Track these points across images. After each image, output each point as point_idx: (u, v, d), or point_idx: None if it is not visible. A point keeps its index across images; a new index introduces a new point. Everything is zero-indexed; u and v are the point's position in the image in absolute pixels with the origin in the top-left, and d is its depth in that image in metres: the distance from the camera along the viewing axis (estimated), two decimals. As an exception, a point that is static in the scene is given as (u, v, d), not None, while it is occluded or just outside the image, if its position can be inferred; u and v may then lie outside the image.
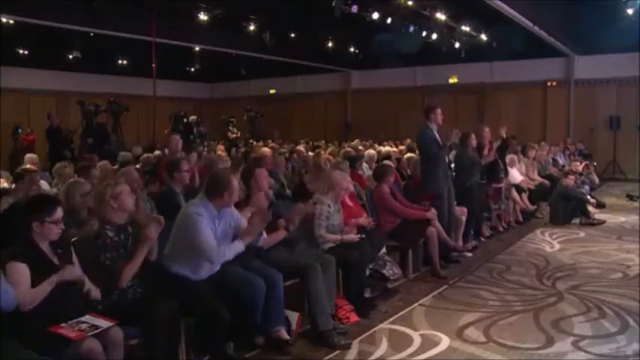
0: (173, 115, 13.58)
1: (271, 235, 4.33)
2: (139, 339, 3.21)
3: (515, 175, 9.27)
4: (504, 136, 8.49)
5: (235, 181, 3.89)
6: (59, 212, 3.09)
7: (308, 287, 4.25)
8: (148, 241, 3.38)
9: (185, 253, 3.71)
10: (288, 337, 4.04)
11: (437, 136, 6.38)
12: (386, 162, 7.35)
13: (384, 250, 5.44)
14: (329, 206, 4.90)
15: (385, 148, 11.32)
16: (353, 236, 5.01)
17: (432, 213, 5.92)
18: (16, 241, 2.99)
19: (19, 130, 15.65)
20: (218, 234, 3.77)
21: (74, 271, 3.07)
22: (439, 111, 6.44)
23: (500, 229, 8.32)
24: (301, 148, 11.40)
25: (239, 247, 3.78)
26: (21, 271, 2.90)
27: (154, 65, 12.75)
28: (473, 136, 7.23)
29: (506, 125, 8.70)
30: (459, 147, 6.74)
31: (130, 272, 3.34)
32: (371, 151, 9.51)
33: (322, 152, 10.01)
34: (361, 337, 4.24)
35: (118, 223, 3.46)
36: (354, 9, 11.20)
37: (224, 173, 4.11)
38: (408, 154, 8.95)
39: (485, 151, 7.34)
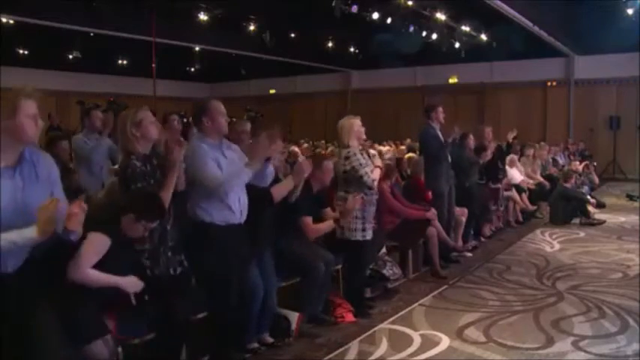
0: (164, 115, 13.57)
1: (318, 225, 4.38)
2: (142, 337, 3.20)
3: (515, 175, 9.28)
4: (510, 140, 8.44)
5: (216, 104, 3.60)
6: (155, 223, 2.99)
7: (309, 285, 4.34)
8: (175, 165, 3.17)
9: (199, 193, 3.51)
10: (272, 340, 4.06)
11: (439, 134, 6.38)
12: (386, 161, 7.34)
13: (384, 250, 5.44)
14: (361, 155, 4.73)
15: (385, 148, 11.31)
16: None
17: (432, 213, 5.92)
18: (104, 215, 2.80)
19: None
20: (225, 164, 3.53)
21: (137, 285, 2.98)
22: (441, 109, 6.41)
23: (500, 226, 8.33)
24: (296, 149, 11.36)
25: (243, 171, 3.46)
26: (102, 244, 2.77)
27: (154, 65, 12.75)
28: (471, 136, 7.23)
29: (513, 130, 8.62)
30: (457, 147, 6.73)
31: (165, 200, 3.14)
32: (372, 151, 9.50)
33: (322, 152, 10.00)
34: (361, 337, 4.24)
35: (143, 152, 3.24)
36: (354, 9, 11.20)
37: (203, 100, 3.79)
38: (409, 154, 8.94)
39: (488, 152, 7.34)
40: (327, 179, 4.60)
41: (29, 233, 2.25)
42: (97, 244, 2.78)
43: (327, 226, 4.54)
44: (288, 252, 4.31)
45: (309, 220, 4.41)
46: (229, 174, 3.46)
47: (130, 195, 3.03)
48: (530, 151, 10.58)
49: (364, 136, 4.83)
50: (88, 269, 2.77)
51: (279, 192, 3.95)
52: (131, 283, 2.95)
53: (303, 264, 4.33)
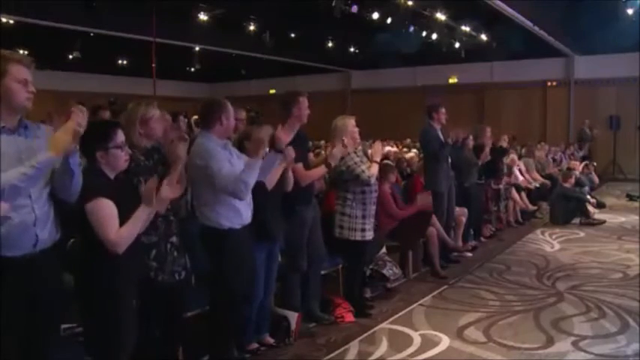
0: (171, 115, 13.58)
1: (311, 171, 4.27)
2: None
3: (516, 174, 9.27)
4: (504, 145, 8.38)
5: (228, 103, 3.51)
6: (120, 135, 2.76)
7: (308, 277, 4.41)
8: (180, 162, 3.06)
9: (209, 195, 3.40)
10: (272, 340, 4.06)
11: (440, 135, 6.38)
12: (386, 161, 7.32)
13: (384, 250, 5.44)
14: (355, 154, 4.64)
15: (386, 148, 11.30)
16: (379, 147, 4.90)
17: (424, 198, 5.81)
18: (88, 178, 2.60)
19: None
20: (236, 163, 3.44)
21: (152, 188, 2.74)
22: (443, 110, 6.40)
23: (500, 226, 8.33)
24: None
25: (255, 163, 3.33)
26: (109, 207, 2.61)
27: (153, 65, 12.74)
28: (470, 136, 7.23)
29: (506, 135, 8.59)
30: (457, 147, 6.72)
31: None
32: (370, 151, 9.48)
33: (323, 152, 9.99)
34: (361, 337, 4.24)
35: (145, 146, 3.19)
36: (354, 9, 11.20)
37: (215, 99, 3.68)
38: (410, 154, 8.97)
39: (487, 152, 7.33)
40: (304, 115, 4.28)
41: (44, 154, 2.29)
42: (101, 208, 2.62)
43: (319, 170, 4.36)
44: (296, 242, 4.28)
45: (299, 166, 4.14)
46: (246, 171, 3.33)
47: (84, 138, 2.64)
48: (530, 151, 10.60)
49: (358, 137, 4.74)
50: (116, 232, 2.62)
51: (270, 179, 3.79)
52: (148, 198, 2.73)
53: (288, 259, 4.31)
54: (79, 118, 2.32)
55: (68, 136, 2.30)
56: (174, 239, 3.22)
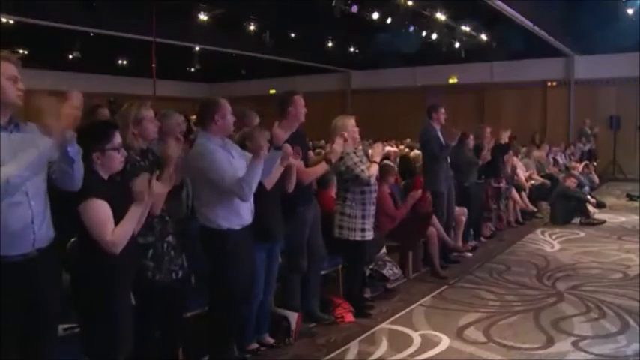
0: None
1: (312, 168, 4.26)
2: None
3: (518, 175, 9.27)
4: (505, 140, 8.38)
5: (226, 102, 3.51)
6: (118, 137, 2.76)
7: (308, 277, 4.41)
8: (171, 161, 3.05)
9: (209, 196, 3.41)
10: (272, 340, 4.06)
11: (439, 135, 6.38)
12: (386, 162, 7.31)
13: (384, 250, 5.44)
14: (355, 154, 4.63)
15: (386, 148, 11.31)
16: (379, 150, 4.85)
17: (413, 194, 5.79)
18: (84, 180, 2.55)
19: None
20: (236, 164, 3.44)
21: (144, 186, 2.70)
22: (442, 110, 6.42)
23: (500, 226, 8.33)
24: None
25: (257, 165, 3.33)
26: (102, 208, 2.61)
27: (153, 65, 12.73)
28: (471, 136, 7.23)
29: (509, 130, 8.59)
30: (457, 147, 6.73)
31: (160, 198, 3.02)
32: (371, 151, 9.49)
33: (323, 152, 10.00)
34: (361, 337, 4.24)
35: (140, 147, 3.18)
36: (354, 9, 11.20)
37: (211, 98, 3.65)
38: (416, 152, 8.99)
39: (487, 153, 7.33)
40: (301, 114, 4.30)
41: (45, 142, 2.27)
42: (94, 209, 2.60)
43: (320, 168, 4.34)
44: (296, 241, 4.28)
45: (300, 165, 4.15)
46: (249, 173, 3.33)
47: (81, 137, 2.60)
48: (529, 152, 10.60)
49: (358, 137, 4.72)
50: (112, 233, 2.62)
51: (269, 179, 3.75)
52: (140, 194, 2.73)
53: (288, 259, 4.31)
54: (76, 101, 2.32)
55: (49, 107, 2.29)
56: (170, 239, 3.22)
